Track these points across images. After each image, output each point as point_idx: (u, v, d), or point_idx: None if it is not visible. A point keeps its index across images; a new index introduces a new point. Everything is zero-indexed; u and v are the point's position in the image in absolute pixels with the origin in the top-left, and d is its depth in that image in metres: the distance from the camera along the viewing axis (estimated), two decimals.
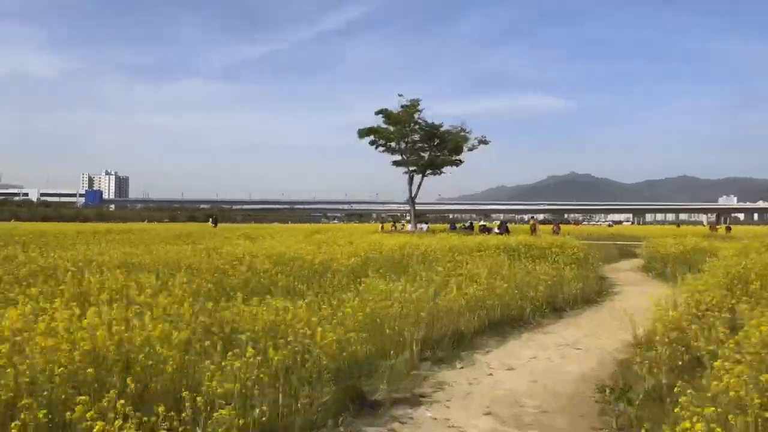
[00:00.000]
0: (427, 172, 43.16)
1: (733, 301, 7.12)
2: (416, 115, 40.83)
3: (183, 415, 3.86)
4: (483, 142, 42.68)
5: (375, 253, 13.58)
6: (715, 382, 4.05)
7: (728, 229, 52.75)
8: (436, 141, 42.27)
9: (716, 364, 4.31)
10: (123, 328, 4.70)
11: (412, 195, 43.44)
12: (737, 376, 3.94)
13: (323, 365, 5.32)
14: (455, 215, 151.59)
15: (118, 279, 7.54)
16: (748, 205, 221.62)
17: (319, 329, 5.56)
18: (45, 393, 3.89)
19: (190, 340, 5.02)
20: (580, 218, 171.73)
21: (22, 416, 3.57)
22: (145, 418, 3.68)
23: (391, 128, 41.07)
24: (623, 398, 5.18)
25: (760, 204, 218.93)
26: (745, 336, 4.67)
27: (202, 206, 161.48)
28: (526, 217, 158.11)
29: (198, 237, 22.38)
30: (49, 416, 3.70)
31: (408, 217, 48.60)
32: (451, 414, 5.40)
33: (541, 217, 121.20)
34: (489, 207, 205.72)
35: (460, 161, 43.06)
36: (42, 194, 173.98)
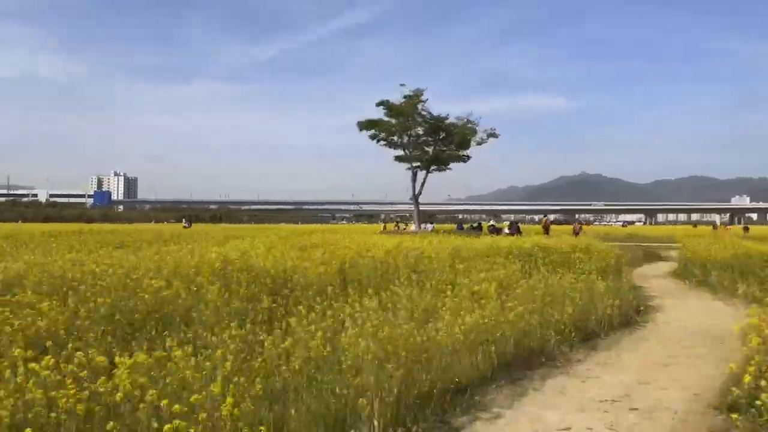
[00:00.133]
0: (432, 168, 39.47)
1: None
2: (420, 107, 37.27)
3: None
4: (492, 135, 38.72)
5: (360, 259, 10.78)
6: None
7: (746, 229, 50.11)
8: (442, 134, 38.57)
9: None
10: None
11: (416, 193, 39.93)
12: None
13: None
14: (464, 216, 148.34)
15: None
16: (762, 204, 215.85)
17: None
18: None
19: None
20: (591, 218, 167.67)
21: None
22: None
23: (393, 120, 37.68)
24: None
25: None
26: None
27: (210, 206, 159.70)
28: (536, 217, 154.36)
29: (155, 240, 19.60)
30: None
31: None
32: None
33: (552, 217, 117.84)
34: (498, 207, 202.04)
35: (468, 157, 39.35)
36: (51, 195, 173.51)
